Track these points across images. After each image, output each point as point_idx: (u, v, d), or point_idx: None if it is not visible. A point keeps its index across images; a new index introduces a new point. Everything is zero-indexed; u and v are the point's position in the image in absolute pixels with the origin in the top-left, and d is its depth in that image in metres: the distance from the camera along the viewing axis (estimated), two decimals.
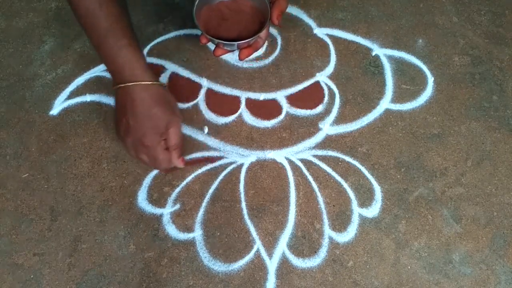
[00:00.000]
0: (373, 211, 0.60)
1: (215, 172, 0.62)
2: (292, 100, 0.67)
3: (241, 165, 0.62)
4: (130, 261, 0.56)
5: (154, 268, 0.56)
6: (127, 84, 0.51)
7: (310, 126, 0.65)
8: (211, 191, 0.61)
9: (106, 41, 0.51)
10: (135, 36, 0.53)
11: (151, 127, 0.52)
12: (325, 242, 0.58)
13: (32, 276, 0.55)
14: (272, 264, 0.57)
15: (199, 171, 0.62)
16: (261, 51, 0.70)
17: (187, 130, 0.64)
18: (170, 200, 0.60)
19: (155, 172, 0.61)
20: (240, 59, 0.60)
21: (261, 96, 0.67)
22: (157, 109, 0.52)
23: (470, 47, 0.72)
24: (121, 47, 0.51)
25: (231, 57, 0.69)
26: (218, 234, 0.58)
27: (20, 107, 0.65)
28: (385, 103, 0.67)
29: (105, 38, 0.51)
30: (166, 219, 0.59)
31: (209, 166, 0.62)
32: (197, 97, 0.67)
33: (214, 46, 0.58)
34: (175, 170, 0.58)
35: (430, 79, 0.69)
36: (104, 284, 0.55)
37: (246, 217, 0.59)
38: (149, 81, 0.52)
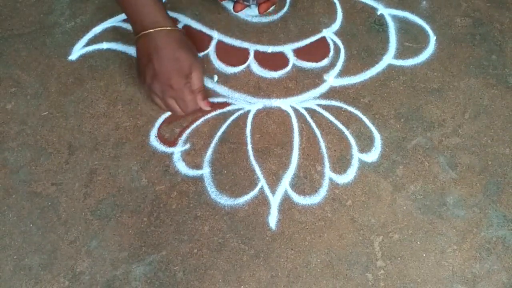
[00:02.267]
0: (372, 156, 0.63)
1: (224, 116, 0.65)
2: (299, 53, 0.70)
3: (248, 111, 0.66)
4: (142, 192, 0.60)
5: (164, 199, 0.60)
6: (150, 30, 0.54)
7: (315, 78, 0.68)
8: (219, 133, 0.64)
9: None
10: None
11: (177, 70, 0.55)
12: (325, 183, 0.61)
13: (49, 204, 0.59)
14: (274, 200, 0.60)
15: (209, 115, 0.65)
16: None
17: None
18: (181, 140, 0.63)
19: (167, 114, 0.65)
20: (260, 13, 0.64)
21: (269, 49, 0.70)
22: (180, 52, 0.55)
23: (472, 10, 0.74)
24: None
25: (243, 12, 0.72)
26: (225, 172, 0.62)
27: (40, 52, 0.69)
28: (388, 59, 0.70)
29: None
30: (176, 157, 0.62)
31: (218, 111, 0.66)
32: (208, 48, 0.70)
33: (233, 3, 0.62)
34: (197, 113, 0.63)
35: (432, 38, 0.71)
36: (118, 212, 0.59)
37: (251, 158, 0.62)
38: (171, 27, 0.55)
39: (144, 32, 0.55)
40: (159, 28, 0.55)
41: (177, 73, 0.55)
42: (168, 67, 0.55)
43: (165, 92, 0.56)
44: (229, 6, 0.69)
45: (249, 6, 0.62)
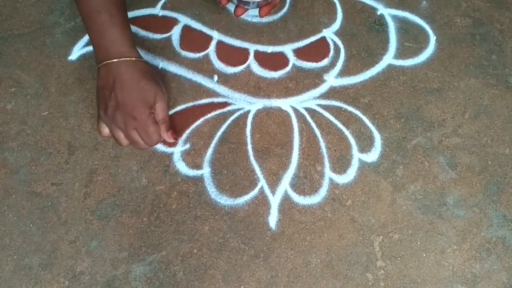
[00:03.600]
0: (372, 156, 0.63)
1: (224, 116, 0.65)
2: (299, 53, 0.70)
3: (248, 111, 0.66)
4: (142, 192, 0.60)
5: (164, 199, 0.60)
6: (113, 60, 0.53)
7: (315, 78, 0.68)
8: (219, 133, 0.64)
9: (99, 17, 0.52)
10: (126, 11, 0.55)
11: (141, 100, 0.53)
12: (325, 183, 0.61)
13: (49, 204, 0.59)
14: (274, 200, 0.60)
15: (208, 115, 0.65)
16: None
17: (198, 78, 0.68)
18: (181, 140, 0.63)
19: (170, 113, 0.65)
20: (261, 16, 0.63)
21: (269, 49, 0.70)
22: (145, 82, 0.54)
23: (472, 10, 0.74)
24: (113, 24, 0.53)
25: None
26: (225, 172, 0.62)
27: (40, 52, 0.69)
28: (388, 59, 0.70)
29: (98, 14, 0.52)
30: (176, 157, 0.62)
31: (218, 111, 0.66)
32: (208, 48, 0.70)
33: (234, 6, 0.62)
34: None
35: (432, 38, 0.71)
36: (118, 212, 0.59)
37: (251, 158, 0.62)
38: (136, 58, 0.54)
39: (107, 61, 0.53)
40: (125, 58, 0.53)
41: (141, 103, 0.53)
42: (131, 98, 0.53)
43: (127, 124, 0.53)
44: (232, 8, 0.69)
45: (250, 9, 0.63)
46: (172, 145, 0.62)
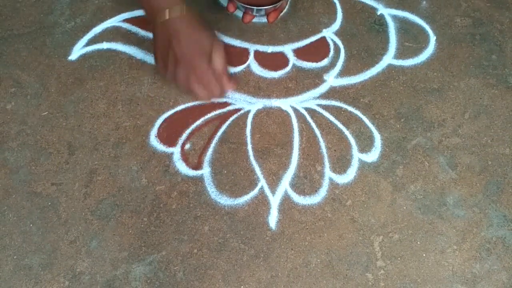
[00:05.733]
0: (372, 156, 0.63)
1: (224, 116, 0.65)
2: (299, 53, 0.70)
3: (248, 111, 0.66)
4: (142, 192, 0.60)
5: (165, 199, 0.60)
6: (166, 16, 0.53)
7: (315, 78, 0.68)
8: (219, 133, 0.64)
9: None
10: None
11: (199, 52, 0.54)
12: (325, 183, 0.61)
13: (49, 204, 0.59)
14: (274, 200, 0.60)
15: (208, 115, 0.65)
16: (284, 11, 0.73)
17: None
18: (181, 140, 0.63)
19: (167, 113, 0.65)
20: (269, 22, 0.64)
21: (269, 49, 0.70)
22: (200, 34, 0.55)
23: (472, 10, 0.74)
24: None
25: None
26: (225, 172, 0.62)
27: (40, 52, 0.69)
28: (388, 59, 0.70)
29: None
30: (176, 157, 0.62)
31: (218, 111, 0.66)
32: None
33: (242, 13, 0.62)
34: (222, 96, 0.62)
35: (432, 38, 0.71)
36: (118, 212, 0.59)
37: (251, 158, 0.62)
38: (186, 9, 0.54)
39: (161, 18, 0.54)
40: (175, 11, 0.53)
41: (199, 55, 0.54)
42: (189, 50, 0.54)
43: (190, 77, 0.55)
44: (240, 14, 0.69)
45: (257, 16, 0.63)
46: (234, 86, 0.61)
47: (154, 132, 0.64)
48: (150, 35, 0.70)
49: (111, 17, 0.72)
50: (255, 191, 0.60)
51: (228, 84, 0.57)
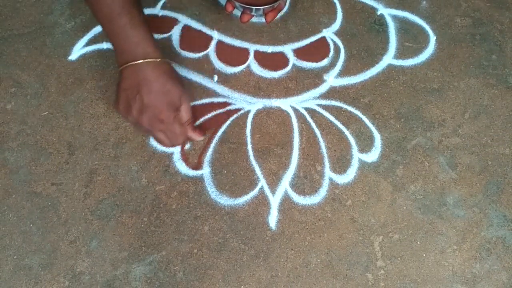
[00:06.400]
0: (372, 156, 0.63)
1: (224, 116, 0.65)
2: (299, 53, 0.70)
3: (248, 111, 0.66)
4: (142, 192, 0.60)
5: (165, 199, 0.60)
6: (139, 61, 0.52)
7: (315, 78, 0.68)
8: (219, 133, 0.64)
9: (120, 19, 0.51)
10: (143, 11, 0.55)
11: (167, 103, 0.53)
12: (325, 183, 0.61)
13: (49, 204, 0.59)
14: (274, 200, 0.60)
15: (208, 116, 0.65)
16: (283, 11, 0.73)
17: (198, 78, 0.68)
18: None
19: None
20: (267, 22, 0.64)
21: (269, 49, 0.70)
22: (170, 85, 0.54)
23: (472, 10, 0.74)
24: (135, 25, 0.52)
25: None
26: (225, 172, 0.62)
27: (40, 52, 0.69)
28: (388, 59, 0.70)
29: (118, 16, 0.51)
30: (176, 157, 0.62)
31: (218, 111, 0.66)
32: (208, 48, 0.70)
33: (240, 12, 0.62)
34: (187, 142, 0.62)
35: (432, 38, 0.71)
36: (118, 212, 0.59)
37: (251, 158, 0.62)
38: (161, 59, 0.54)
39: (133, 62, 0.53)
40: (148, 60, 0.53)
41: (168, 107, 0.53)
42: (158, 101, 0.53)
43: (154, 126, 0.54)
44: (238, 14, 0.69)
45: (255, 16, 0.63)
46: (200, 136, 0.60)
47: None
48: None
49: None
50: (255, 191, 0.60)
51: (192, 134, 0.57)
